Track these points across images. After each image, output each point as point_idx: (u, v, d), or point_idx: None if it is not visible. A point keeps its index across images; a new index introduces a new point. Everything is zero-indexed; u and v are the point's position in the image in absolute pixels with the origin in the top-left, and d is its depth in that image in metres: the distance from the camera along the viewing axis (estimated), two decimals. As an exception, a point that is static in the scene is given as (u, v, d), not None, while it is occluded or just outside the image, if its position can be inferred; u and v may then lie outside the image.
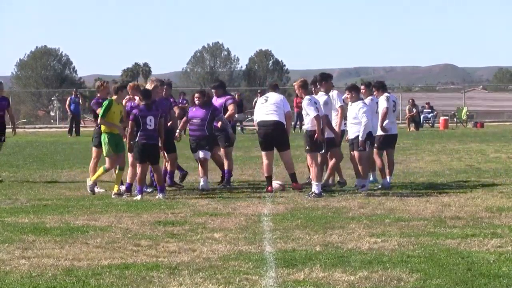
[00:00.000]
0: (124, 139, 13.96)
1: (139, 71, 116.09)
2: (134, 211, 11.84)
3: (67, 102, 37.96)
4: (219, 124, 14.76)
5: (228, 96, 15.75)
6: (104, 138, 13.98)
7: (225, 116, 15.10)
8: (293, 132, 32.29)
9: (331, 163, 14.38)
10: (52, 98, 64.69)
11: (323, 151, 13.76)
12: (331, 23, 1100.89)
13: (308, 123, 13.53)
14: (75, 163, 20.14)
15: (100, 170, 13.99)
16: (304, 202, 12.58)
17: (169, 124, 14.47)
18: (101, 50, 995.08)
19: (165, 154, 14.58)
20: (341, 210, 11.65)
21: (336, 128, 14.19)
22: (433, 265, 7.86)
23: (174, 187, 14.66)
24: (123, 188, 13.84)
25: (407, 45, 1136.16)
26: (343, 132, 14.63)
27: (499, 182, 14.96)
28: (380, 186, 14.42)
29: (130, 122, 13.52)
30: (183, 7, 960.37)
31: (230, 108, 15.31)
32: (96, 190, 14.31)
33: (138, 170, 13.51)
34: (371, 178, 14.90)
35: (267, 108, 14.18)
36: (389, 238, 9.30)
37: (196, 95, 14.89)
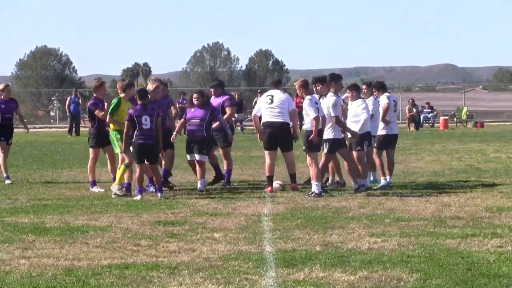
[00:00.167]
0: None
1: (139, 71, 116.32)
2: (134, 211, 11.85)
3: (67, 102, 37.88)
4: (216, 124, 14.71)
5: (227, 96, 15.72)
6: (115, 135, 13.94)
7: (223, 118, 15.07)
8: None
9: (331, 163, 14.40)
10: (52, 98, 64.78)
11: (325, 152, 13.76)
12: (331, 23, 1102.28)
13: (308, 123, 13.54)
14: (75, 163, 20.15)
15: (121, 169, 13.74)
16: (304, 202, 12.58)
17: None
18: (101, 50, 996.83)
19: (163, 153, 14.51)
20: (341, 210, 11.65)
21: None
22: (433, 265, 7.86)
23: (165, 186, 14.50)
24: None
25: (407, 45, 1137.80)
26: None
27: (499, 182, 14.97)
28: (379, 186, 14.42)
29: (126, 122, 13.49)
30: (183, 7, 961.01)
31: (228, 110, 15.31)
32: (96, 189, 14.30)
33: (137, 170, 13.50)
34: (371, 178, 14.91)
35: (273, 110, 14.17)
36: (389, 238, 9.30)
37: (195, 95, 14.85)
